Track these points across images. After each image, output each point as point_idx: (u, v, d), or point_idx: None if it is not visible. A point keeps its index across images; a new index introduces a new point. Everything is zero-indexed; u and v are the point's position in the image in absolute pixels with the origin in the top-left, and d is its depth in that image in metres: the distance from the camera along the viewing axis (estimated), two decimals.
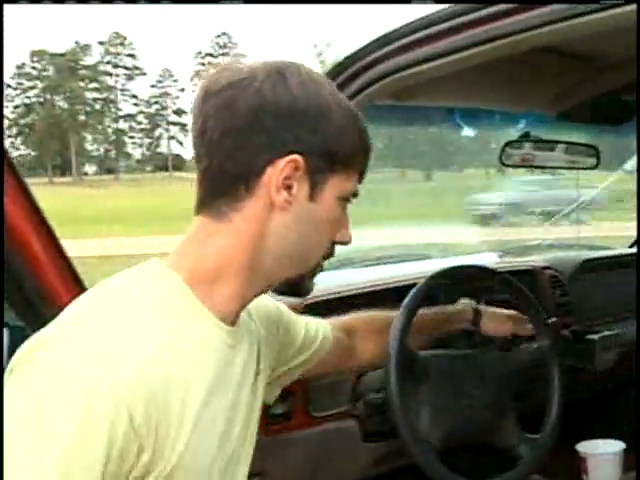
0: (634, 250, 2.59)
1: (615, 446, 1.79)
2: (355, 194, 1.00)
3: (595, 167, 1.94)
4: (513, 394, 1.51)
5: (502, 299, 1.88)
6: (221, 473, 0.96)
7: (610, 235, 2.85)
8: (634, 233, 2.62)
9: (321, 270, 1.02)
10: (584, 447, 1.81)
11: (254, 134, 0.91)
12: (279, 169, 0.91)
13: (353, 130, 0.96)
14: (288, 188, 0.92)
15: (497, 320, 1.58)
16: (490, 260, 2.30)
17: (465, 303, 1.58)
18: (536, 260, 2.15)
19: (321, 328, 1.30)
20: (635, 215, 2.16)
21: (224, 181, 0.93)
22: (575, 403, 1.89)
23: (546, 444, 1.48)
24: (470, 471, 1.44)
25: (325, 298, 1.65)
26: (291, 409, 1.55)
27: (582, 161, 1.96)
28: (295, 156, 0.91)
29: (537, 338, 1.54)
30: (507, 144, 1.87)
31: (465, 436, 1.47)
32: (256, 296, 1.00)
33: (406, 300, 1.41)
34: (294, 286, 1.01)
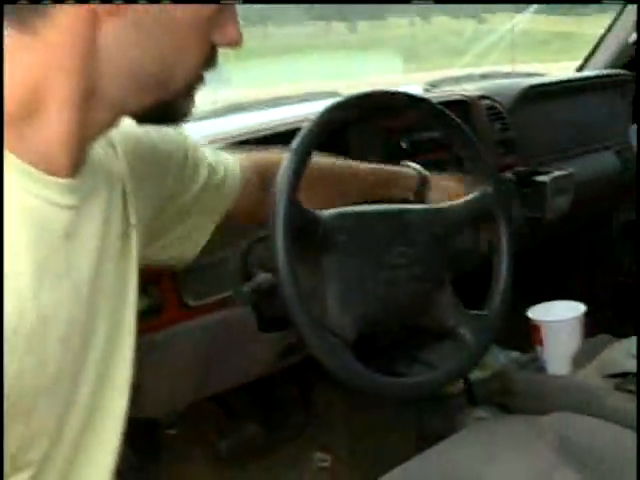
0: (582, 74, 2.22)
1: (574, 309, 1.47)
2: None
3: None
4: (449, 260, 1.14)
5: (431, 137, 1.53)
6: (87, 377, 0.74)
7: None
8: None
9: (203, 83, 0.77)
10: (537, 312, 1.48)
11: None
12: None
13: None
14: None
15: (447, 194, 1.24)
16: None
17: (412, 166, 1.25)
18: (469, 89, 1.74)
19: (232, 167, 1.05)
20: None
21: None
22: (519, 257, 1.55)
23: (493, 324, 1.12)
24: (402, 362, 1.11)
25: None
26: (158, 301, 1.16)
27: None
28: None
29: (478, 184, 1.16)
30: None
31: (387, 319, 1.10)
32: (102, 132, 0.74)
33: (296, 140, 0.99)
34: (160, 112, 0.75)
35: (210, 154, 1.04)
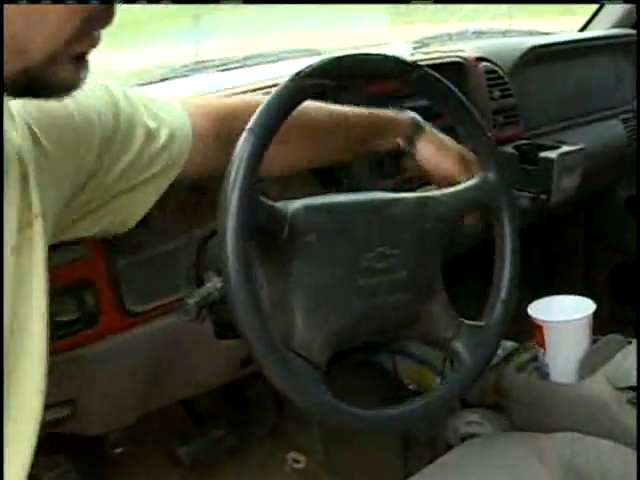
0: (588, 34, 2.01)
1: (582, 307, 1.28)
2: None
3: None
4: (442, 260, 0.96)
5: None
6: None
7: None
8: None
9: (94, 46, 0.62)
10: (539, 309, 1.29)
11: None
12: None
13: None
14: None
15: (442, 150, 1.07)
16: (400, 52, 1.66)
17: (407, 112, 1.09)
18: (465, 49, 1.53)
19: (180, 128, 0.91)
20: None
21: None
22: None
23: (492, 337, 0.95)
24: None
25: None
26: (94, 309, 0.96)
27: None
28: None
29: (478, 168, 0.97)
30: None
31: (365, 335, 0.92)
32: None
33: (255, 117, 0.81)
34: (28, 84, 0.61)
35: (154, 114, 0.90)
